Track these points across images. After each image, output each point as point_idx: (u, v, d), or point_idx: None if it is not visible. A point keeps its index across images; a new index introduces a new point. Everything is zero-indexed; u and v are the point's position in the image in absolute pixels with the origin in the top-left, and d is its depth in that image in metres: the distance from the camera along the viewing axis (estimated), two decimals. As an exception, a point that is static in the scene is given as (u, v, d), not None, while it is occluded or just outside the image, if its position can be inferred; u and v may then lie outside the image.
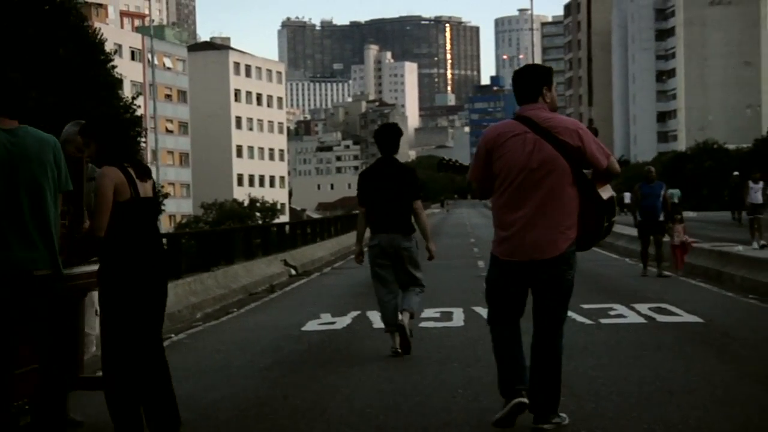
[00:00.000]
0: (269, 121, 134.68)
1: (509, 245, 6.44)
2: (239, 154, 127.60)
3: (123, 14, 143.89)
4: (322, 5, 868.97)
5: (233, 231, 24.84)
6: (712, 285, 17.21)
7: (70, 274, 6.37)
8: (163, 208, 37.86)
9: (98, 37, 36.55)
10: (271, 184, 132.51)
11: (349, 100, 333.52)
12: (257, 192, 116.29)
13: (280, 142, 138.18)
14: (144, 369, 6.32)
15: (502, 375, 6.53)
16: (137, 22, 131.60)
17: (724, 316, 12.55)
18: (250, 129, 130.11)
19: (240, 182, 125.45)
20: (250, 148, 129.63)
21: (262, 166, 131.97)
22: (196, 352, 11.02)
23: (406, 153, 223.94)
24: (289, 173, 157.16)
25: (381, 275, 10.07)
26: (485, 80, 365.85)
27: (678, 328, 11.45)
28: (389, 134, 10.12)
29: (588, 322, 12.21)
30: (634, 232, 26.19)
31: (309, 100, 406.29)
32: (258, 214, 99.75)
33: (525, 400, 6.38)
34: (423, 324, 12.41)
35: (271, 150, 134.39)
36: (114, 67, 37.70)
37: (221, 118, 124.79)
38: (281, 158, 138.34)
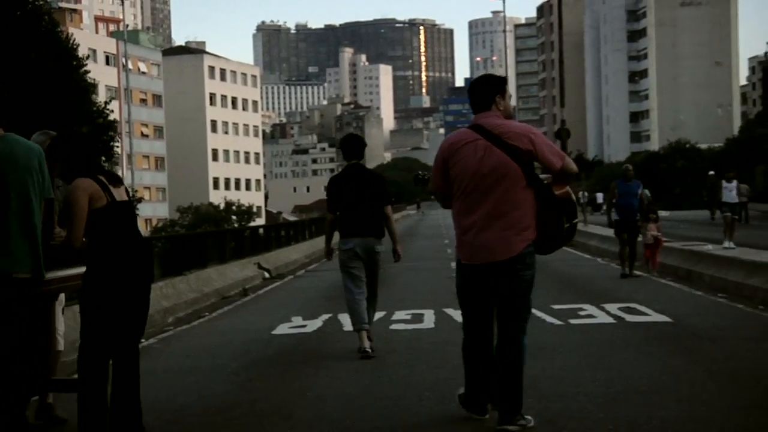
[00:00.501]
0: (244, 125, 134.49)
1: (468, 248, 6.66)
2: (215, 157, 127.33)
3: (98, 19, 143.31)
4: (296, 9, 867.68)
5: (206, 235, 24.79)
6: (682, 284, 17.29)
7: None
8: (137, 212, 37.77)
9: (71, 42, 36.42)
10: (247, 187, 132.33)
11: (325, 102, 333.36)
12: (233, 195, 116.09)
13: (255, 145, 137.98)
14: (118, 374, 6.47)
15: (468, 391, 6.85)
16: (112, 27, 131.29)
17: (692, 316, 12.61)
18: (226, 132, 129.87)
19: (216, 185, 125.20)
20: (226, 152, 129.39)
21: (238, 169, 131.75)
22: (166, 357, 10.99)
23: (382, 155, 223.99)
24: (265, 176, 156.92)
25: (353, 274, 10.30)
26: (460, 82, 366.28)
27: (646, 328, 11.50)
28: (354, 142, 10.52)
29: (558, 322, 12.25)
30: (606, 231, 26.33)
31: (285, 103, 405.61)
32: (234, 217, 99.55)
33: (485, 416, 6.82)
34: (393, 326, 12.45)
35: (247, 153, 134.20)
36: (87, 72, 37.60)
37: (196, 122, 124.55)
38: (257, 161, 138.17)
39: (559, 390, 7.84)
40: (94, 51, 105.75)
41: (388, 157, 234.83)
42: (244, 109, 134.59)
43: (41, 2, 33.53)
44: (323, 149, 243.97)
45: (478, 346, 6.76)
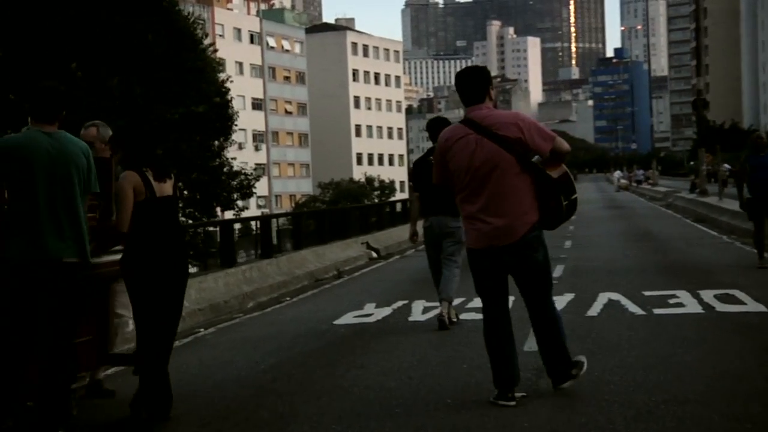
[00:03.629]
0: (387, 100, 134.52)
1: (472, 235, 6.99)
2: (358, 133, 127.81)
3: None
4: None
5: (300, 215, 24.26)
6: (799, 266, 15.77)
7: (99, 262, 7.14)
8: (255, 190, 37.68)
9: (191, 21, 36.27)
10: (390, 163, 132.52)
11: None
12: (376, 170, 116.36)
13: (398, 120, 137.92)
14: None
15: (495, 373, 7.00)
16: (263, 7, 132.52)
17: (792, 305, 11.33)
18: (369, 108, 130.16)
19: (359, 161, 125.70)
20: (369, 127, 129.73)
21: (381, 144, 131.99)
22: (209, 350, 10.41)
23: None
24: (412, 151, 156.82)
25: (433, 258, 11.12)
26: (610, 52, 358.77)
27: (733, 320, 10.33)
28: (437, 125, 10.89)
29: (640, 312, 11.20)
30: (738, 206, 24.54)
31: (432, 78, 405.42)
32: (376, 192, 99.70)
33: (512, 403, 6.82)
34: (464, 315, 11.58)
35: (390, 128, 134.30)
36: (214, 51, 37.48)
37: (339, 98, 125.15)
38: (400, 136, 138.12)
39: (597, 396, 6.95)
40: (239, 30, 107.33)
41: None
42: (387, 84, 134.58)
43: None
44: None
45: (498, 331, 6.95)
